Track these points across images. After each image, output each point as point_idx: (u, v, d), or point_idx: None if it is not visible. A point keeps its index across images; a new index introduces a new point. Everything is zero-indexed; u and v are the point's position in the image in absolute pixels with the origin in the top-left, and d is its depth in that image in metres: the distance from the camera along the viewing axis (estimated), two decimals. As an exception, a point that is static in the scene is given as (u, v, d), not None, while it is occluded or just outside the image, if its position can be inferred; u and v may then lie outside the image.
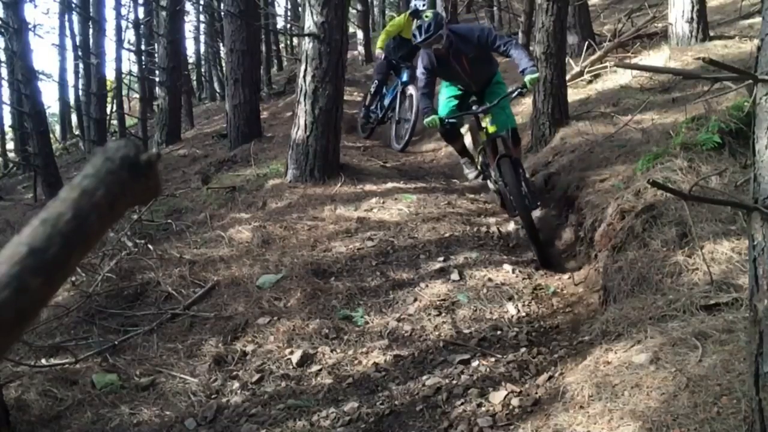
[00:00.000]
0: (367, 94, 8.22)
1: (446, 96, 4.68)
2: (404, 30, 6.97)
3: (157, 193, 0.74)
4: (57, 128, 20.39)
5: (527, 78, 4.06)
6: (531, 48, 6.88)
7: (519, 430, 2.56)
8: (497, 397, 2.79)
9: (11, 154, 16.96)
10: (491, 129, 4.30)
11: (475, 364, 3.09)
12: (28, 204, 9.23)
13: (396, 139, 7.36)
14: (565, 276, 3.98)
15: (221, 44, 15.80)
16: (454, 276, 3.87)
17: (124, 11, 14.84)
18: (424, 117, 4.37)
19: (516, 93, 4.30)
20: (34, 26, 15.58)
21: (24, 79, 7.67)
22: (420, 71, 4.45)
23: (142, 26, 13.63)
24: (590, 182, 4.27)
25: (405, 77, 7.20)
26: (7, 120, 17.02)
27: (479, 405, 2.77)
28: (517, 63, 4.19)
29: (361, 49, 15.45)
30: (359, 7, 14.91)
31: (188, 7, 15.43)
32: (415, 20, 5.89)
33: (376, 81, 7.78)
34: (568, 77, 6.24)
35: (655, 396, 2.17)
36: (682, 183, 3.40)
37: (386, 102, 7.63)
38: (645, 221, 3.33)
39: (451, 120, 4.46)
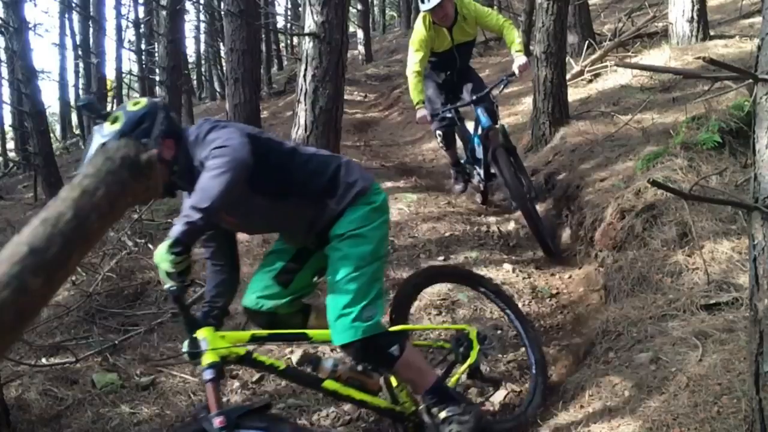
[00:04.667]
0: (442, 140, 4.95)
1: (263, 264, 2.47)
2: (436, 41, 4.40)
3: (157, 193, 0.74)
4: (57, 128, 20.38)
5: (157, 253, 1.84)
6: (531, 48, 6.86)
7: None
8: (497, 396, 2.80)
9: (11, 154, 16.96)
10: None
11: (475, 363, 3.09)
12: (29, 203, 9.22)
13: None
14: (566, 275, 3.98)
15: (221, 44, 15.80)
16: (455, 275, 3.87)
17: (124, 10, 14.87)
18: None
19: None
20: (35, 25, 15.58)
21: (24, 78, 7.67)
22: None
23: (142, 25, 13.62)
24: (590, 182, 4.27)
25: (484, 119, 4.31)
26: (8, 119, 17.02)
27: (480, 404, 2.77)
28: None
29: (361, 48, 15.46)
30: (359, 6, 14.91)
31: (188, 6, 15.41)
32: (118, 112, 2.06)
33: (438, 134, 4.84)
34: (568, 76, 6.24)
35: (655, 395, 2.17)
36: (682, 182, 3.40)
37: (478, 155, 4.57)
38: (645, 221, 3.33)
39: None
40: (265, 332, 2.25)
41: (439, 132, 4.77)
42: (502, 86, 4.41)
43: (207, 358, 1.98)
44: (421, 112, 4.35)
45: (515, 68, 4.23)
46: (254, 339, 2.18)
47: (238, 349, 2.06)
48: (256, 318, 2.39)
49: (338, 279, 2.10)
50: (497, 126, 4.29)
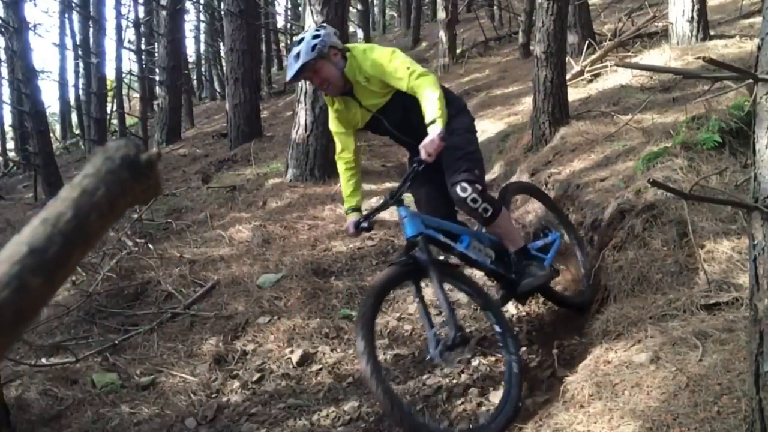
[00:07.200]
0: None
1: None
2: (347, 115, 3.16)
3: (158, 193, 0.74)
4: (57, 127, 20.39)
5: None
6: (531, 47, 6.84)
7: (519, 430, 2.56)
8: (497, 396, 2.79)
9: (11, 154, 16.98)
10: None
11: (475, 363, 3.09)
12: (28, 203, 9.22)
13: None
14: (566, 275, 3.98)
15: (221, 43, 15.81)
16: (455, 275, 3.86)
17: (124, 10, 14.85)
18: None
19: None
20: (35, 25, 15.60)
21: (24, 78, 7.68)
22: None
23: (142, 25, 13.62)
24: (590, 181, 4.27)
25: (406, 225, 3.12)
26: (8, 119, 17.04)
27: (479, 404, 2.77)
28: None
29: (361, 48, 15.42)
30: (359, 6, 14.91)
31: (188, 6, 15.42)
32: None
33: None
34: (568, 76, 6.24)
35: (655, 395, 2.17)
36: (682, 182, 3.40)
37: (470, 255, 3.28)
38: (645, 221, 3.33)
39: None
40: None
41: None
42: (410, 179, 3.10)
43: None
44: (349, 220, 3.17)
45: (421, 149, 2.80)
46: None
47: None
48: None
49: None
50: (420, 237, 3.02)
